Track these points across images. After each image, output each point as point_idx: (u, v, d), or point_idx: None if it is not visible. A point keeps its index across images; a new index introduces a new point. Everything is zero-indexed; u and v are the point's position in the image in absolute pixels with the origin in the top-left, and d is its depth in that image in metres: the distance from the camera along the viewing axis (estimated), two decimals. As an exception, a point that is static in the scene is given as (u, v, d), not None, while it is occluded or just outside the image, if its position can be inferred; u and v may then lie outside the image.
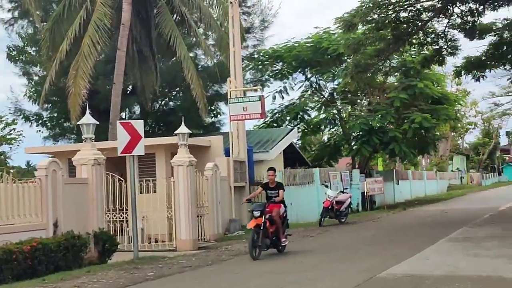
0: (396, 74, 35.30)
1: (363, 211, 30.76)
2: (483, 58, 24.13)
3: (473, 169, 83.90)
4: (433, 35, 23.60)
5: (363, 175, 32.70)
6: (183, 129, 18.51)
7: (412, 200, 40.37)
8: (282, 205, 15.39)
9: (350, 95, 35.89)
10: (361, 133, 32.66)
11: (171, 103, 34.80)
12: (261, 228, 14.26)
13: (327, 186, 25.53)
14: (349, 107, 37.21)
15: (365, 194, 31.50)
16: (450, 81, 53.07)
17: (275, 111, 36.38)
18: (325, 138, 40.01)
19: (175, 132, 18.90)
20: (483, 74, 24.82)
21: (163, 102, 34.83)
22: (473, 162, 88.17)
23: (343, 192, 25.30)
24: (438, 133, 39.66)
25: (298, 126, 35.20)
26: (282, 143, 27.32)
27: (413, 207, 33.19)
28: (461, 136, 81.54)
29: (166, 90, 33.97)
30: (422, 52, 27.74)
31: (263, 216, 14.41)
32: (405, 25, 22.74)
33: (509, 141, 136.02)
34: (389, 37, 22.97)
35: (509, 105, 77.56)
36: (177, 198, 17.94)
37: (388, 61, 28.25)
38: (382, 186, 32.45)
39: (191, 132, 19.53)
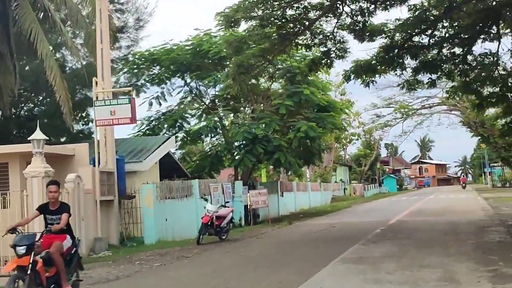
0: (281, 81, 33.72)
1: (246, 226, 28.69)
2: (373, 62, 22.57)
3: (355, 180, 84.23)
4: (321, 36, 21.77)
5: (246, 187, 30.70)
6: (38, 135, 16.00)
7: (297, 213, 38.78)
8: (67, 236, 10.83)
9: (232, 102, 33.89)
10: (244, 142, 30.63)
11: (36, 108, 31.48)
12: (28, 271, 9.54)
13: (206, 200, 23.12)
14: (232, 114, 35.16)
15: (249, 208, 29.52)
16: (334, 91, 52.17)
17: (152, 118, 33.63)
18: (208, 148, 37.52)
19: (28, 139, 16.34)
20: (373, 79, 23.28)
21: (27, 107, 31.46)
22: (355, 173, 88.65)
23: (224, 206, 23.00)
24: (323, 143, 38.25)
25: (176, 134, 32.77)
26: (158, 152, 24.78)
27: (298, 220, 31.39)
28: (344, 147, 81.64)
29: (32, 94, 30.82)
30: (307, 57, 26.08)
31: (31, 254, 9.69)
32: (291, 24, 20.79)
33: (388, 152, 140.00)
34: (274, 36, 20.99)
35: (390, 116, 78.42)
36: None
37: (272, 64, 26.41)
38: (267, 199, 30.51)
39: (47, 138, 16.86)
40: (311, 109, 32.64)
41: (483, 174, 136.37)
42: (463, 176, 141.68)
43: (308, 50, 23.68)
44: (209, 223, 21.29)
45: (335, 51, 22.11)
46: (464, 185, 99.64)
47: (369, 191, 79.51)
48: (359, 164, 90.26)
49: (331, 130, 34.40)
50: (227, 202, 24.80)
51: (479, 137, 78.37)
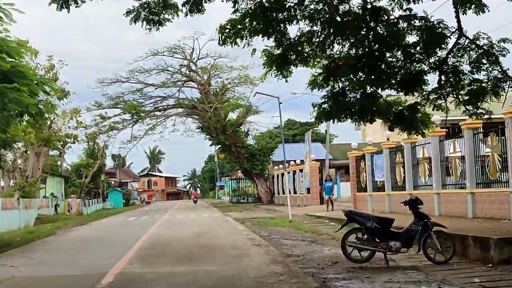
0: None
1: None
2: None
3: (74, 195, 70.32)
4: None
5: None
6: None
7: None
8: None
9: None
10: None
11: None
12: None
13: None
14: None
15: None
16: (42, 74, 38.41)
17: None
18: None
19: None
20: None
21: None
22: (74, 186, 74.72)
23: None
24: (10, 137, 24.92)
25: None
26: None
27: None
28: (61, 154, 67.39)
29: None
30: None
31: None
32: None
33: (115, 164, 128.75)
34: None
35: (118, 118, 66.57)
36: None
37: None
38: None
39: None
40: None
41: (214, 188, 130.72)
42: (194, 190, 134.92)
43: None
44: None
45: None
46: (195, 199, 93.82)
47: (90, 207, 66.15)
48: (80, 176, 76.42)
49: (16, 114, 21.04)
50: None
51: (219, 146, 69.51)
